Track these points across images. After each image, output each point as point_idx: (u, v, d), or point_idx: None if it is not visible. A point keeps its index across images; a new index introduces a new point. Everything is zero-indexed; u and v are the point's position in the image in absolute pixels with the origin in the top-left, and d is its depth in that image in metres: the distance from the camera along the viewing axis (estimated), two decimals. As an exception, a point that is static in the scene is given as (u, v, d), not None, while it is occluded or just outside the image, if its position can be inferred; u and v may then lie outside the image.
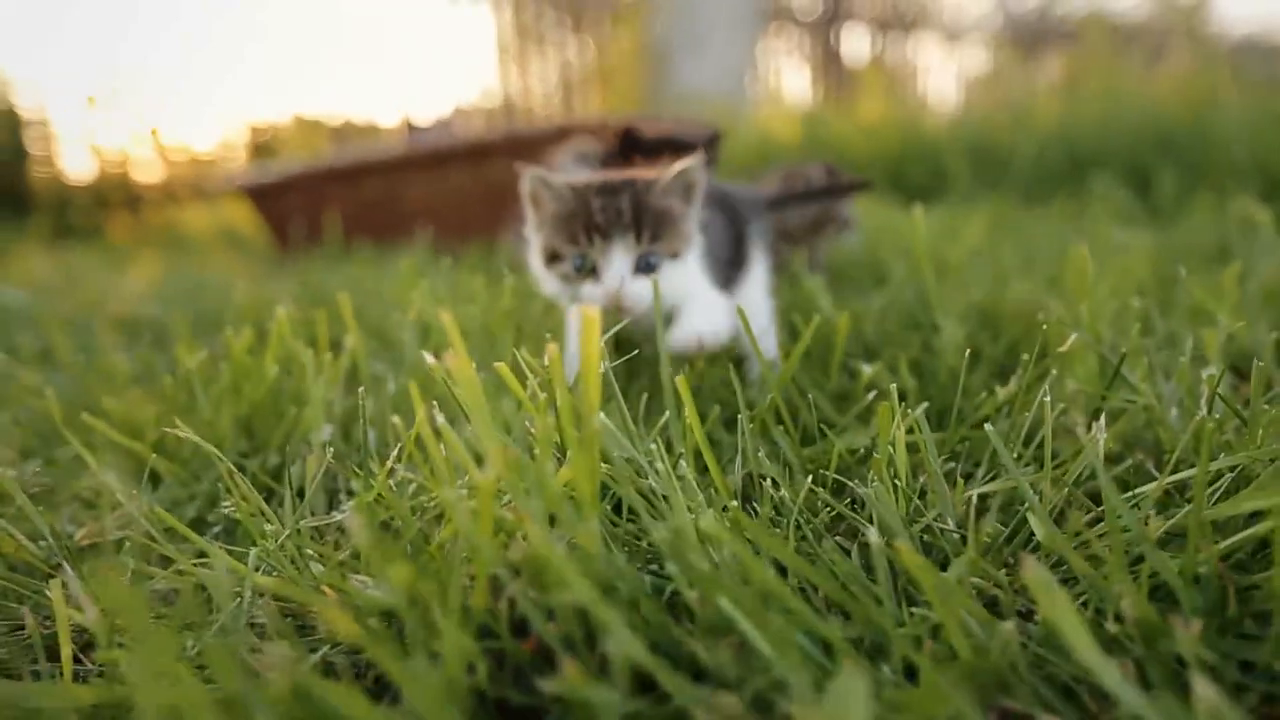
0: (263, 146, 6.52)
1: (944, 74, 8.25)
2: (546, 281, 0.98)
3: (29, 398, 1.08)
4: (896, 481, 0.66)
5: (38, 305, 1.67)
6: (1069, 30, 7.56)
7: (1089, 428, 0.79)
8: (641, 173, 0.97)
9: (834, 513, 0.69)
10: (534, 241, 0.99)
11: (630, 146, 1.41)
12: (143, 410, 0.94)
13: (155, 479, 0.87)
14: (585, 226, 0.92)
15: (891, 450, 0.68)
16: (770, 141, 3.32)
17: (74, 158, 6.06)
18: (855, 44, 7.56)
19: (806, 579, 0.57)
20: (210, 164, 6.36)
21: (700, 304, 0.98)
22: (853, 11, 7.48)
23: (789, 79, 7.38)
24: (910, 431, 0.72)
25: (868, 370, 0.91)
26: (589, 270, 0.93)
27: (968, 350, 0.86)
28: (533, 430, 0.61)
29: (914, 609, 0.56)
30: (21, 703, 0.47)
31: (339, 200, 2.52)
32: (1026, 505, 0.63)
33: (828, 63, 7.41)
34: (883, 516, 0.61)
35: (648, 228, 0.92)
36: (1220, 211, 1.82)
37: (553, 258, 0.95)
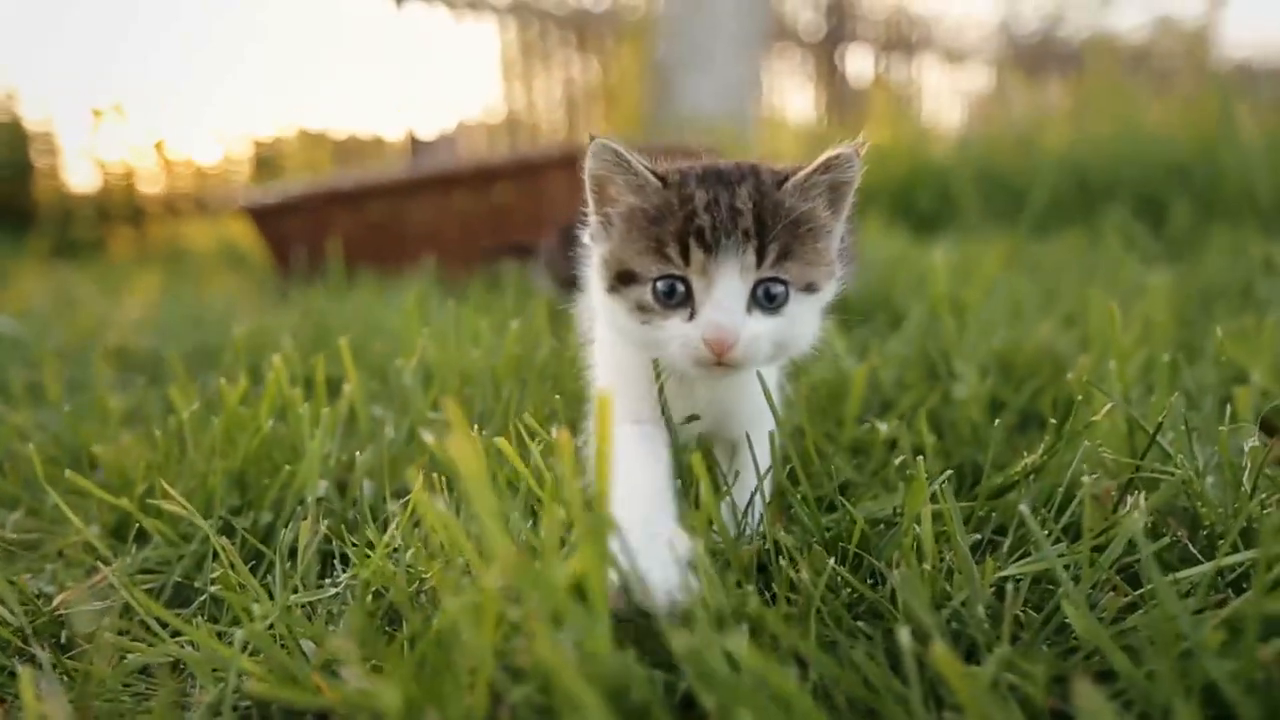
0: (265, 161, 6.51)
1: (947, 95, 8.27)
2: (611, 313, 0.69)
3: (15, 440, 1.04)
4: (924, 566, 0.62)
5: (31, 334, 1.63)
6: (1071, 53, 7.58)
7: (1119, 497, 0.75)
8: (766, 163, 0.71)
9: (855, 593, 0.65)
10: (595, 253, 0.71)
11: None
12: (133, 459, 0.91)
13: (143, 534, 0.84)
14: (680, 233, 0.64)
15: (917, 528, 0.64)
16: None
17: (78, 171, 6.04)
18: (859, 64, 7.57)
19: (830, 676, 0.53)
20: (213, 178, 6.35)
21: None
22: (856, 32, 7.49)
23: (792, 99, 7.39)
24: (934, 499, 0.68)
25: (883, 428, 0.87)
26: (680, 300, 0.65)
27: (990, 402, 0.82)
28: (537, 512, 0.57)
29: (945, 714, 0.52)
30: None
31: (342, 222, 2.49)
32: (1061, 590, 0.59)
33: (831, 83, 7.41)
34: (911, 607, 0.57)
35: (777, 239, 0.64)
36: (1237, 247, 1.79)
37: (624, 278, 0.66)
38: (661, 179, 0.67)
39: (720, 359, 0.63)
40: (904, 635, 0.51)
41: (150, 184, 6.15)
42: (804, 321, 0.68)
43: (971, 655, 0.60)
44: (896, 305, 1.47)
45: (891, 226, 2.60)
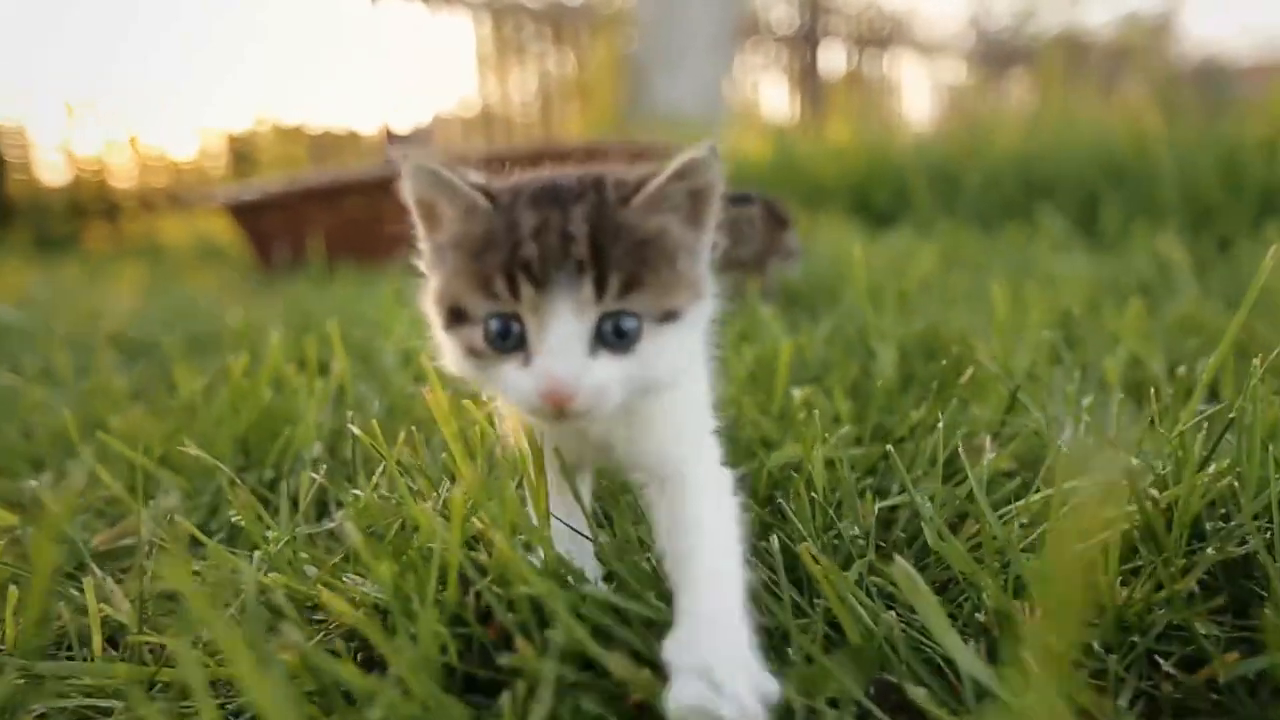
0: (241, 155, 6.58)
1: (919, 89, 8.47)
2: (449, 354, 0.61)
3: (36, 413, 1.18)
4: (814, 495, 0.77)
5: (32, 322, 1.76)
6: (1040, 49, 7.78)
7: (989, 446, 0.91)
8: (614, 170, 0.61)
9: (764, 521, 0.80)
10: (429, 283, 0.63)
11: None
12: (146, 427, 1.04)
13: (151, 494, 0.97)
14: (507, 264, 0.55)
15: (810, 468, 0.79)
16: (742, 162, 3.46)
17: (51, 166, 6.09)
18: (832, 59, 7.75)
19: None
20: (187, 173, 6.43)
21: (706, 445, 0.66)
22: (829, 28, 7.67)
23: (766, 93, 7.55)
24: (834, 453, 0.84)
25: (797, 393, 1.02)
26: (516, 342, 0.56)
27: (906, 376, 0.98)
28: (500, 454, 0.72)
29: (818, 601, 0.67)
30: (73, 676, 0.57)
31: (320, 218, 2.62)
32: (925, 517, 0.75)
33: (805, 77, 7.58)
34: (798, 526, 0.73)
35: (620, 267, 0.55)
36: (1149, 243, 1.97)
37: (456, 315, 0.58)
38: (492, 198, 0.58)
39: (561, 411, 0.54)
40: (776, 541, 0.66)
41: (124, 179, 6.22)
42: (667, 354, 0.57)
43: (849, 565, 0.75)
44: (837, 293, 1.64)
45: (850, 221, 2.77)
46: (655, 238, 0.57)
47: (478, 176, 0.60)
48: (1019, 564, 0.66)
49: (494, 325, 0.55)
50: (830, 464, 0.83)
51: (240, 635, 0.51)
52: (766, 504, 0.86)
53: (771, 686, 0.50)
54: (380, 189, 2.63)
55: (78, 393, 1.19)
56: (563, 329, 0.54)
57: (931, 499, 0.80)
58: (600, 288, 0.54)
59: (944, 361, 1.19)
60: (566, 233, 0.55)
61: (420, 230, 0.63)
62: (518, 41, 6.91)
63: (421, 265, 0.65)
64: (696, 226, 0.60)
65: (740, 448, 0.95)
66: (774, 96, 7.61)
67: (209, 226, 5.13)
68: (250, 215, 2.75)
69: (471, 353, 0.57)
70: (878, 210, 2.97)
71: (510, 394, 0.57)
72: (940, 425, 0.83)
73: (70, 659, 0.68)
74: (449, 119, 7.00)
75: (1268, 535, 0.67)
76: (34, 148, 6.23)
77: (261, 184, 3.27)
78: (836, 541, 0.76)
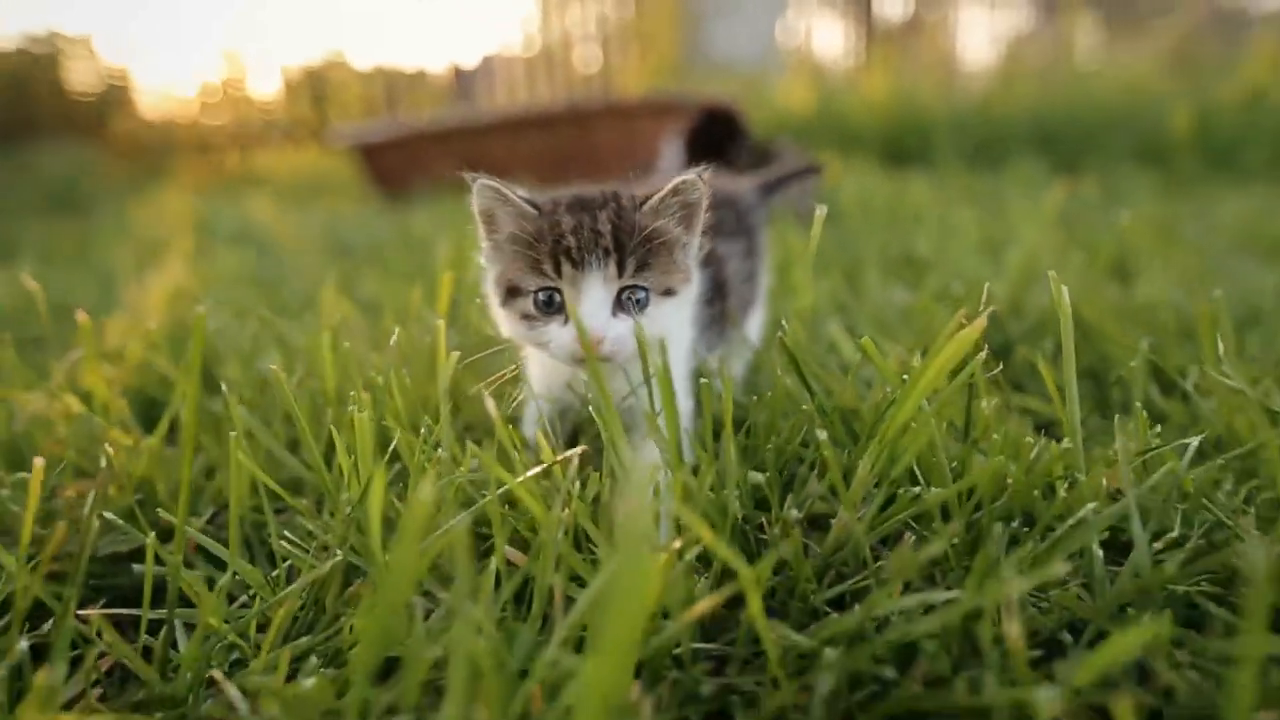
0: (319, 95, 7.23)
1: (977, 36, 8.72)
2: (504, 322, 0.83)
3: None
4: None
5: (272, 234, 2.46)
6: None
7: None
8: (626, 187, 0.86)
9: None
10: (489, 273, 0.85)
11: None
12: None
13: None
14: (553, 252, 0.77)
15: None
16: (788, 112, 4.03)
17: (151, 104, 6.84)
18: (890, 4, 8.01)
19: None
20: (271, 111, 7.12)
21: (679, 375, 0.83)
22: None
23: (821, 39, 7.90)
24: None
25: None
26: (558, 308, 0.79)
27: (881, 267, 1.59)
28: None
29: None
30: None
31: (433, 156, 3.28)
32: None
33: (860, 23, 7.91)
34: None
35: (634, 254, 0.78)
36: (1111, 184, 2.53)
37: (511, 292, 0.81)
38: (537, 208, 0.81)
39: (592, 355, 0.72)
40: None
41: (217, 116, 6.96)
42: (666, 320, 0.81)
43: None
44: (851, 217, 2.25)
45: (878, 165, 3.35)
46: (659, 234, 0.79)
47: (524, 192, 0.83)
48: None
49: (542, 296, 0.79)
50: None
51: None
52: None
53: None
54: (483, 133, 3.31)
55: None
56: (594, 296, 0.77)
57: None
58: (621, 268, 0.77)
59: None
60: (596, 230, 0.78)
61: (482, 231, 0.85)
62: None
63: (482, 260, 0.87)
64: (688, 229, 0.83)
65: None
66: (829, 43, 7.96)
67: (302, 161, 5.85)
68: (374, 153, 3.43)
69: (524, 318, 0.80)
70: (905, 156, 3.53)
71: (554, 345, 0.79)
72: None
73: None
74: (511, 59, 7.51)
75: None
76: (134, 88, 6.98)
77: (383, 126, 3.95)
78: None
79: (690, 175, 0.79)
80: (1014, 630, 0.48)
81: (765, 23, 6.82)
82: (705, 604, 0.53)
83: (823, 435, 0.65)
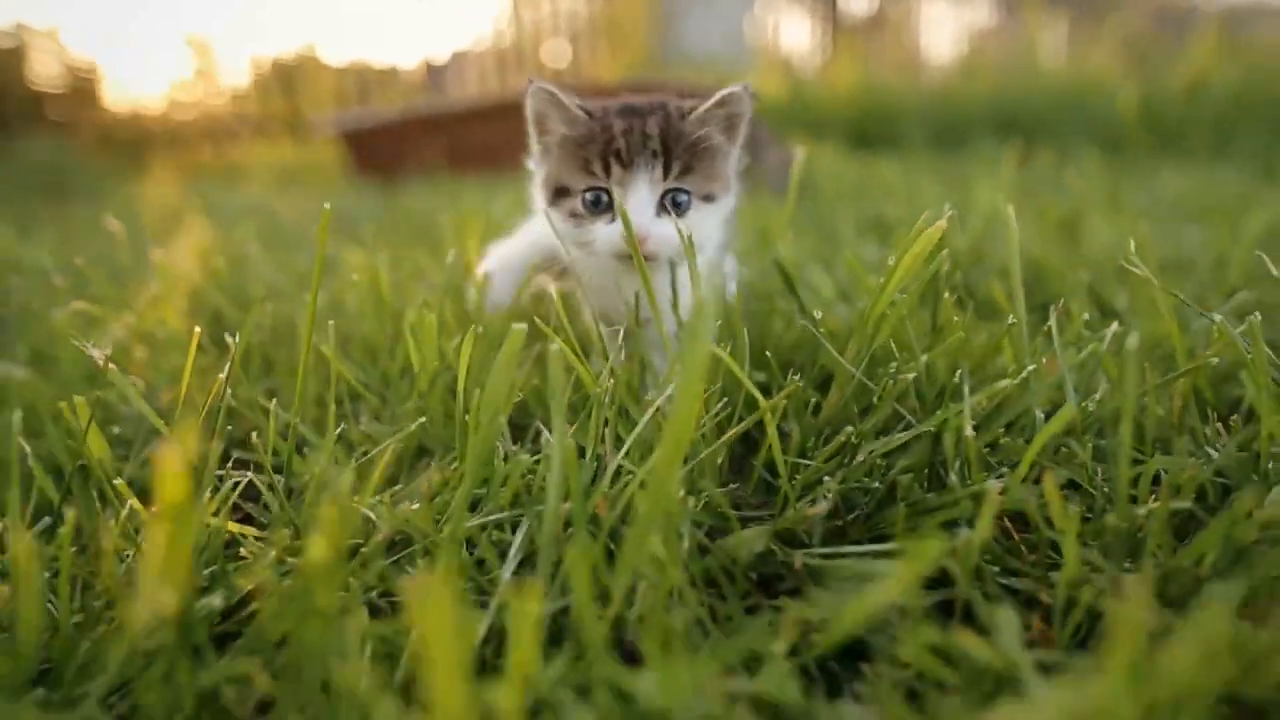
0: (291, 88, 7.30)
1: (941, 30, 8.99)
2: (552, 222, 0.86)
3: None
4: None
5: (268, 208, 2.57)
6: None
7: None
8: (673, 99, 0.87)
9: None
10: (538, 175, 0.89)
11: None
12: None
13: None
14: (603, 154, 0.81)
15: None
16: (761, 101, 4.21)
17: (123, 99, 6.86)
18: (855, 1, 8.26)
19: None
20: (243, 103, 7.18)
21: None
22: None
23: (787, 33, 8.12)
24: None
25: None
26: (604, 207, 0.82)
27: (857, 228, 1.76)
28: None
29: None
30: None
31: (419, 141, 3.41)
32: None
33: (825, 18, 8.15)
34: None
35: (679, 159, 0.81)
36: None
37: (560, 193, 0.84)
38: (588, 113, 0.84)
39: (638, 250, 0.75)
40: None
41: (189, 111, 7.00)
42: (705, 225, 0.85)
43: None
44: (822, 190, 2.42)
45: (849, 149, 3.53)
46: (702, 143, 0.83)
47: (577, 98, 0.85)
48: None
49: (590, 196, 0.82)
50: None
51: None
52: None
53: None
54: (468, 118, 3.45)
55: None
56: (640, 196, 0.81)
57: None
58: (666, 170, 0.81)
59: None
60: (645, 133, 0.81)
61: (533, 134, 0.88)
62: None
63: (530, 163, 0.91)
64: (730, 140, 0.87)
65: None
66: (795, 37, 8.19)
67: (276, 155, 5.92)
68: (362, 139, 3.54)
69: (572, 216, 0.84)
70: (872, 141, 3.73)
71: (600, 241, 0.82)
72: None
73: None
74: (482, 54, 7.63)
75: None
76: (103, 81, 7.00)
77: (371, 113, 4.07)
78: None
79: (736, 88, 0.84)
80: (969, 434, 0.64)
81: (734, 18, 7.00)
82: (737, 429, 0.68)
83: (818, 314, 0.80)
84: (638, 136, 0.81)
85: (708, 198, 0.85)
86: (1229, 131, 3.16)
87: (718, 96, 0.84)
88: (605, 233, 0.82)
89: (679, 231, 0.77)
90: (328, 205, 0.70)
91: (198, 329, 0.70)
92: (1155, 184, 2.47)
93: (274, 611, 0.49)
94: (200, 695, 0.48)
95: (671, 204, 0.82)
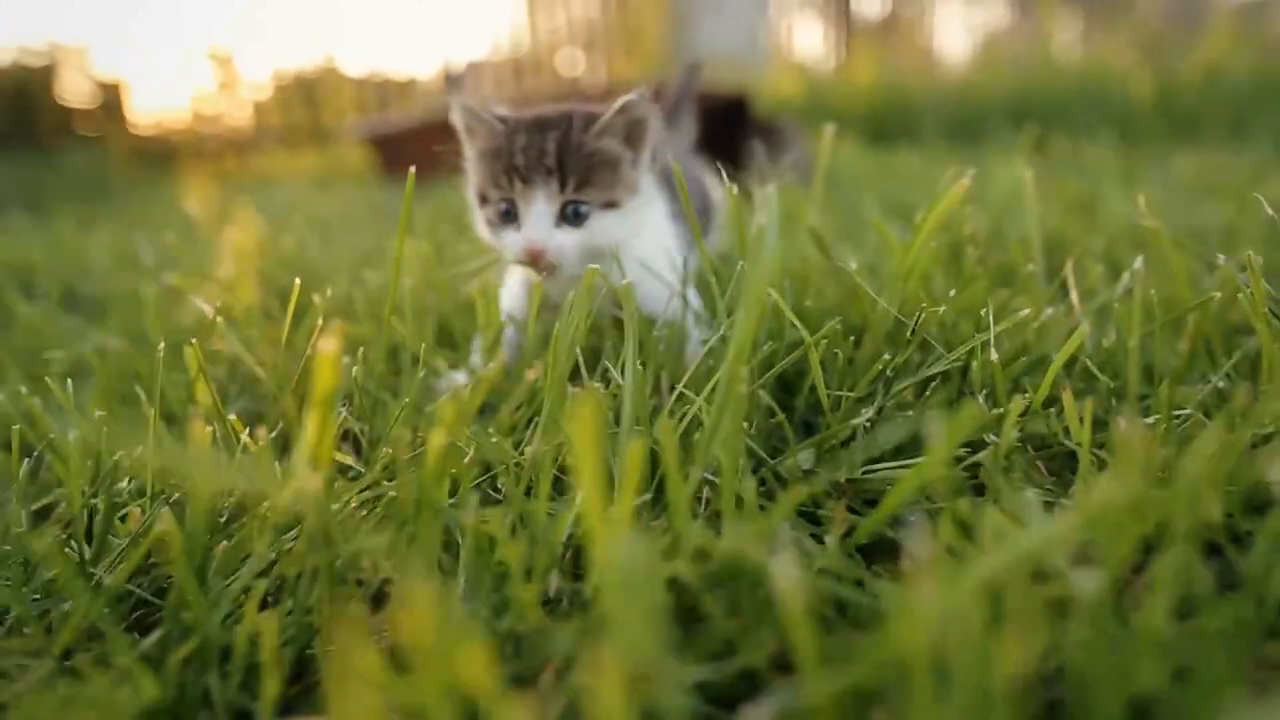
0: (313, 99, 7.44)
1: (954, 31, 9.03)
2: (480, 224, 0.94)
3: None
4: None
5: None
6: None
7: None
8: (583, 108, 0.91)
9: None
10: (471, 180, 0.95)
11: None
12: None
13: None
14: (507, 168, 0.86)
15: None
16: (776, 101, 4.30)
17: (149, 113, 7.02)
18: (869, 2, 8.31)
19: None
20: (266, 115, 7.32)
21: (652, 269, 0.90)
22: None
23: (801, 35, 8.18)
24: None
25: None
26: (513, 217, 0.88)
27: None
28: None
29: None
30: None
31: (445, 143, 3.50)
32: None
33: (839, 19, 8.21)
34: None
35: (574, 173, 0.86)
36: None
37: (482, 200, 0.91)
38: (503, 122, 0.89)
39: (537, 262, 0.86)
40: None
41: (214, 123, 7.16)
42: (612, 230, 0.89)
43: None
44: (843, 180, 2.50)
45: (862, 143, 3.61)
46: (602, 153, 0.88)
47: (501, 110, 0.92)
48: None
49: (501, 206, 0.89)
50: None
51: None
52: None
53: None
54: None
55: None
56: (538, 209, 0.87)
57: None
58: (563, 185, 0.86)
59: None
60: (542, 150, 0.86)
61: (466, 143, 0.95)
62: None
63: (466, 167, 0.96)
64: (634, 146, 0.91)
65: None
66: (809, 38, 8.25)
67: (300, 164, 6.06)
68: (389, 145, 3.65)
69: (489, 223, 0.91)
70: (891, 135, 3.80)
71: (508, 250, 0.89)
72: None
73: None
74: (498, 63, 7.74)
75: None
76: (129, 96, 7.16)
77: (397, 119, 4.18)
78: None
79: (634, 96, 0.87)
80: (994, 358, 0.72)
81: (748, 22, 7.08)
82: (788, 359, 0.76)
83: (853, 265, 0.88)
84: (534, 154, 0.86)
85: (610, 204, 0.89)
86: (1244, 118, 3.21)
87: (618, 104, 0.87)
88: (511, 240, 0.89)
89: (577, 244, 0.86)
90: (412, 169, 0.78)
91: (298, 280, 0.79)
92: (1170, 166, 2.54)
93: (404, 484, 0.57)
94: (334, 572, 0.56)
95: (573, 214, 0.88)
